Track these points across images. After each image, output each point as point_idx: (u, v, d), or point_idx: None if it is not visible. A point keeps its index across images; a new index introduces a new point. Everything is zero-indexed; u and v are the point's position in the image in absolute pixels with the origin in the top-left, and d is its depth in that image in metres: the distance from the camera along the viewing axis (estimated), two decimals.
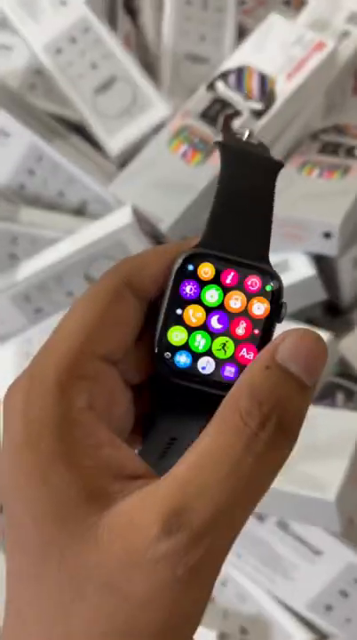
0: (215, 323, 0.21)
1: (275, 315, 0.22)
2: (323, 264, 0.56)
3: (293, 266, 0.53)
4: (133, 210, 0.56)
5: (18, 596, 0.19)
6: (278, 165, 0.24)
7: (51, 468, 0.19)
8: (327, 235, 0.52)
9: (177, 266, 0.22)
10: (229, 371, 0.21)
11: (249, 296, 0.21)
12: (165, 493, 0.18)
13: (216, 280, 0.21)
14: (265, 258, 0.22)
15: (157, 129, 0.61)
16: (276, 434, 0.19)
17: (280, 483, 0.44)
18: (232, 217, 0.22)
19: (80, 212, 0.62)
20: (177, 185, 0.56)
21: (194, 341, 0.21)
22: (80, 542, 0.18)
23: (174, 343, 0.21)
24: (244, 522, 0.19)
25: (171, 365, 0.22)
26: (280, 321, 0.22)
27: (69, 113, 0.65)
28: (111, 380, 0.21)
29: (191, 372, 0.22)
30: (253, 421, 0.19)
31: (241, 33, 0.68)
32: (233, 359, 0.21)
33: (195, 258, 0.22)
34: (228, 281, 0.21)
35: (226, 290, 0.21)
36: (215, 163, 0.56)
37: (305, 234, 0.52)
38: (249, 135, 0.24)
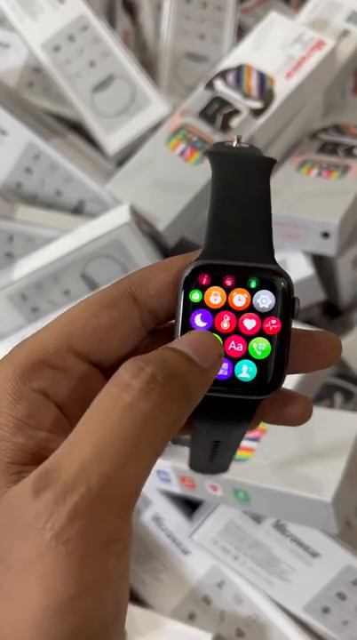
0: (248, 325, 0.22)
1: (289, 311, 0.22)
2: (322, 264, 0.56)
3: (291, 265, 0.53)
4: (131, 209, 0.56)
5: None
6: (270, 162, 0.24)
7: None
8: (325, 234, 0.51)
9: (185, 276, 0.22)
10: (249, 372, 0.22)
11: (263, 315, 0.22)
12: (47, 460, 0.18)
13: (226, 306, 0.22)
14: (270, 257, 0.22)
15: (155, 128, 0.61)
16: (149, 383, 0.18)
17: (276, 483, 0.44)
18: (230, 221, 0.22)
19: (77, 210, 0.62)
20: (175, 184, 0.56)
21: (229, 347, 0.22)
22: None
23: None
24: (126, 479, 0.17)
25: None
26: (295, 316, 0.22)
27: (67, 111, 0.64)
28: (86, 378, 0.21)
29: (220, 383, 0.22)
30: (128, 373, 0.19)
31: (241, 32, 0.68)
32: (268, 359, 0.22)
33: (202, 270, 0.22)
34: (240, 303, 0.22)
35: (238, 314, 0.22)
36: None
37: (304, 233, 0.51)
38: (238, 141, 0.24)
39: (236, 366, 0.22)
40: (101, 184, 0.60)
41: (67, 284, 0.57)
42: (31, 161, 0.61)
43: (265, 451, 0.46)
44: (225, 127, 0.57)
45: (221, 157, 0.24)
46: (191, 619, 0.51)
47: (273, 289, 0.22)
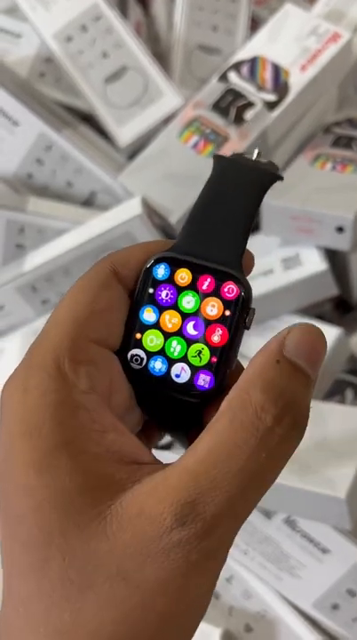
0: (191, 329, 0.22)
1: (241, 323, 0.22)
2: (335, 259, 0.56)
3: (304, 260, 0.53)
4: (143, 201, 0.55)
5: (17, 591, 0.19)
6: (271, 177, 0.23)
7: (54, 454, 0.19)
8: (340, 229, 0.51)
9: (146, 266, 0.22)
10: (203, 379, 0.22)
11: (226, 303, 0.22)
12: (177, 484, 0.18)
13: (192, 286, 0.22)
14: (236, 263, 0.22)
15: (167, 120, 0.60)
16: (290, 429, 0.19)
17: (289, 479, 0.44)
18: (209, 221, 0.22)
19: (88, 202, 0.61)
20: (187, 176, 0.55)
21: (170, 347, 0.22)
22: (87, 532, 0.18)
23: (149, 348, 0.22)
24: (251, 511, 0.19)
25: (144, 371, 0.22)
26: (247, 327, 0.22)
27: (78, 102, 0.64)
28: (109, 364, 0.21)
29: (164, 380, 0.22)
30: (269, 417, 0.19)
31: (255, 24, 0.67)
32: (208, 366, 0.22)
33: (165, 261, 0.22)
34: (205, 287, 0.22)
35: (203, 296, 0.22)
36: (227, 154, 0.55)
37: (318, 228, 0.51)
38: (258, 154, 0.24)
39: (173, 367, 0.22)
40: (112, 176, 0.60)
41: (77, 276, 0.56)
42: (42, 152, 0.60)
43: None
44: (238, 120, 0.56)
45: (223, 161, 0.24)
46: None
47: (228, 295, 0.21)
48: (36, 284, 0.57)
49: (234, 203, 0.23)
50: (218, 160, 0.24)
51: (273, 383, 0.19)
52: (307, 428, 0.48)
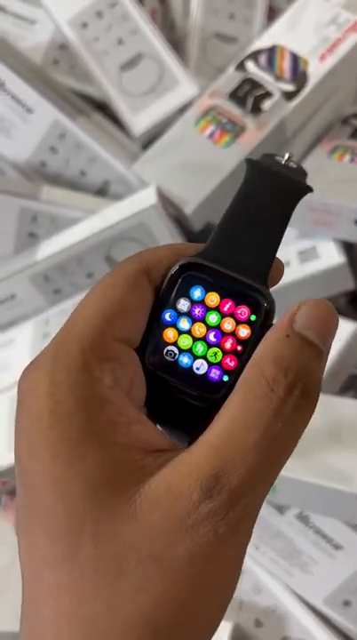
0: (211, 337, 0.23)
1: (262, 335, 0.22)
2: (351, 253, 0.55)
3: (322, 253, 0.52)
4: (158, 190, 0.54)
5: (45, 584, 0.19)
6: (303, 190, 0.24)
7: (84, 445, 0.19)
8: None
9: (172, 272, 0.22)
10: (215, 373, 0.22)
11: (238, 322, 0.23)
12: (199, 460, 0.19)
13: (217, 308, 0.22)
14: (262, 276, 0.22)
15: (183, 109, 0.59)
16: (301, 399, 0.20)
17: (303, 474, 0.43)
18: (240, 232, 0.23)
19: (102, 191, 0.61)
20: (203, 166, 0.55)
21: (196, 347, 0.23)
22: (117, 518, 0.18)
23: (182, 347, 0.23)
24: (273, 481, 0.20)
25: (172, 365, 0.23)
26: None
27: (92, 90, 0.63)
28: (132, 363, 0.21)
29: (186, 372, 0.22)
30: (280, 388, 0.20)
31: (272, 13, 0.66)
32: (219, 364, 0.23)
33: (190, 267, 0.22)
34: (225, 309, 0.22)
35: (223, 315, 0.23)
36: (244, 144, 0.54)
37: (336, 220, 0.50)
38: (288, 158, 0.24)
39: (195, 362, 0.22)
40: (127, 165, 0.59)
41: (91, 266, 0.56)
42: (56, 140, 0.59)
43: None
44: (256, 109, 0.55)
45: (257, 168, 0.24)
46: None
47: (251, 310, 0.22)
48: (49, 273, 0.56)
49: (265, 214, 0.23)
50: (251, 165, 0.24)
51: (283, 356, 0.20)
52: (321, 422, 0.48)
